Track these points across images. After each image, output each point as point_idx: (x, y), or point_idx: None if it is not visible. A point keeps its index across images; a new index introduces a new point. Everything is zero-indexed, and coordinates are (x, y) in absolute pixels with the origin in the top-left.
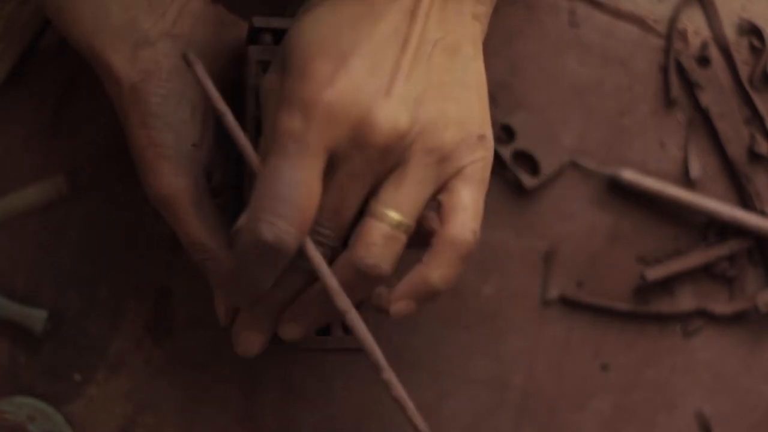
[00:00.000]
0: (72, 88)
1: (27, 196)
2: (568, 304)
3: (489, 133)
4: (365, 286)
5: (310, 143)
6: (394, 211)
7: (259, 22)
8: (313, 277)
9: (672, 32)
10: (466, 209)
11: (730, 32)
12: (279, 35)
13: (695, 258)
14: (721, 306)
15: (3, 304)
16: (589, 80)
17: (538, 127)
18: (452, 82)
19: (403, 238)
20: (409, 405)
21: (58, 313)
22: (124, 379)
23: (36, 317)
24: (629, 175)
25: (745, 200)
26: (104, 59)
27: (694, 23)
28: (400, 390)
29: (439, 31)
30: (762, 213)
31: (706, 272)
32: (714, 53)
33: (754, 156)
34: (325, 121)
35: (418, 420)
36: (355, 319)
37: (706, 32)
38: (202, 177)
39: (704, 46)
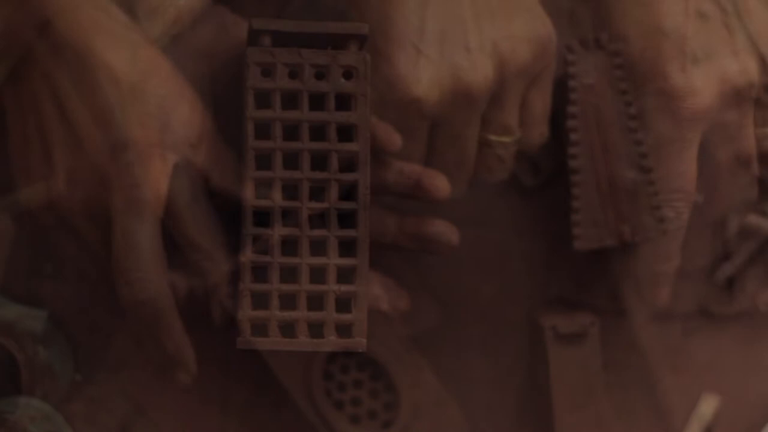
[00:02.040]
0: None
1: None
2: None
3: (551, 42)
4: None
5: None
6: (506, 137)
7: (258, 23)
8: None
9: None
10: (539, 120)
11: None
12: (278, 37)
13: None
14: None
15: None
16: None
17: None
18: (512, 4)
19: (514, 149)
20: None
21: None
22: (124, 379)
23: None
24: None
25: None
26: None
27: None
28: None
29: None
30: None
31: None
32: None
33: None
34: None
35: None
36: None
37: None
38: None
39: None
